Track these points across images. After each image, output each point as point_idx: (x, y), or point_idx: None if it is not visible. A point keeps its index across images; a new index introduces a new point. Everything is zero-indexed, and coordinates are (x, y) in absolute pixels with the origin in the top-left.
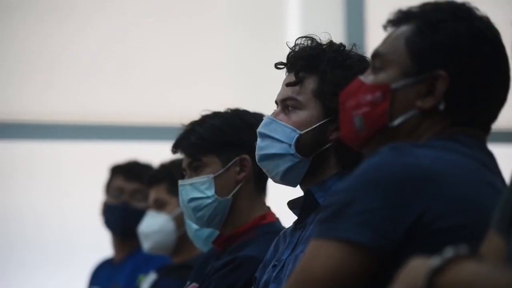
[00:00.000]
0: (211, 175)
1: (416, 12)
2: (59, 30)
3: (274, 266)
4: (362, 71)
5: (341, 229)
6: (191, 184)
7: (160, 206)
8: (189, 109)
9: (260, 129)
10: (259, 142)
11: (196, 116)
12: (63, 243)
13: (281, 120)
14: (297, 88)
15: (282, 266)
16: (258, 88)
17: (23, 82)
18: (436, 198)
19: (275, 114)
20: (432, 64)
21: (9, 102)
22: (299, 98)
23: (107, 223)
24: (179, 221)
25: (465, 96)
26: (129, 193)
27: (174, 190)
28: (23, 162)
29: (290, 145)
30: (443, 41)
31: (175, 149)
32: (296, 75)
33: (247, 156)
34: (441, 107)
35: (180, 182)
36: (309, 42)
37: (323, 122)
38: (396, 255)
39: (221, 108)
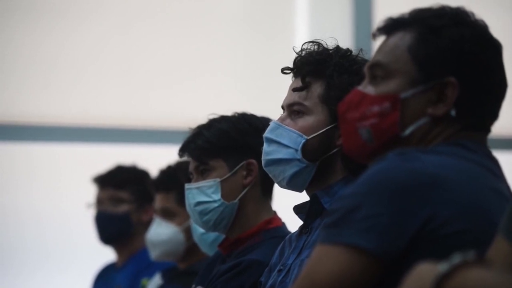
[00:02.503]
0: (218, 179)
1: (412, 19)
2: (58, 32)
3: (280, 270)
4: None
5: (347, 234)
6: (197, 188)
7: (168, 216)
8: (196, 112)
9: (267, 134)
10: (265, 147)
11: (203, 120)
12: (63, 245)
13: (287, 125)
14: (303, 93)
15: (288, 271)
16: (265, 92)
17: (22, 84)
18: (442, 204)
19: (281, 119)
20: (440, 71)
21: (8, 104)
22: (306, 103)
23: (97, 235)
24: (189, 233)
25: (474, 100)
26: (106, 200)
27: (183, 201)
28: (22, 164)
29: (296, 150)
30: (448, 47)
31: (182, 152)
32: (302, 80)
33: (253, 161)
34: (453, 113)
35: (187, 185)
36: (315, 47)
37: (330, 128)
38: (401, 261)
39: (228, 112)
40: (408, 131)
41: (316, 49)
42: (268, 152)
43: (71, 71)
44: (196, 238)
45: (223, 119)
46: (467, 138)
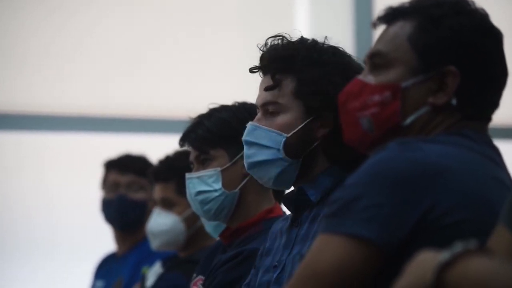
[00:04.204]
0: (219, 168)
1: (412, 8)
2: (51, 21)
3: (275, 267)
4: (338, 64)
5: (348, 224)
6: (198, 177)
7: (168, 206)
8: (196, 102)
9: (245, 137)
10: (246, 150)
11: (203, 110)
12: (51, 235)
13: (265, 126)
14: (276, 91)
15: (283, 268)
16: None
17: (14, 73)
18: (443, 194)
19: (257, 120)
20: (440, 60)
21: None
22: (280, 101)
23: (107, 218)
24: (189, 222)
25: (475, 89)
26: (125, 185)
27: (182, 191)
28: (11, 154)
29: (278, 149)
30: (448, 36)
31: (182, 142)
32: (273, 78)
33: None
34: (454, 102)
35: (187, 175)
36: (280, 41)
37: (308, 122)
38: (402, 252)
39: (229, 102)
40: (409, 120)
41: (281, 44)
42: (250, 155)
43: (66, 61)
44: (202, 219)
45: (223, 108)
46: (468, 127)
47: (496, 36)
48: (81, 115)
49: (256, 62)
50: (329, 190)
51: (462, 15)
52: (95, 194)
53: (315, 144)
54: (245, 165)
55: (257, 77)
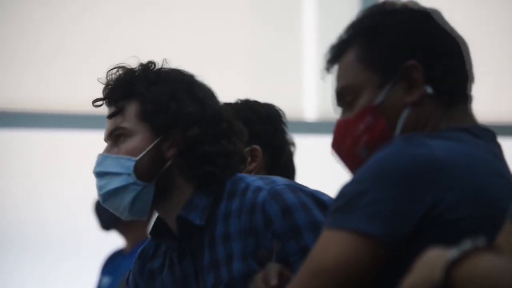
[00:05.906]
0: None
1: (350, 35)
2: (39, 19)
3: None
4: (180, 81)
5: (352, 219)
6: None
7: None
8: None
9: (95, 169)
10: (97, 182)
11: None
12: (41, 233)
13: (114, 154)
14: (120, 117)
15: None
16: (271, 78)
17: (2, 70)
18: (447, 190)
19: (106, 150)
20: (396, 62)
21: None
22: (125, 125)
23: (98, 221)
24: None
25: (439, 69)
26: None
27: None
28: (0, 151)
29: (129, 174)
30: (393, 37)
31: None
32: (116, 105)
33: (257, 147)
34: (429, 90)
35: None
36: (119, 71)
37: (156, 143)
38: (406, 248)
39: (232, 99)
40: (398, 128)
41: (120, 73)
42: (102, 186)
43: (52, 58)
44: None
45: (226, 106)
46: (473, 124)
47: (429, 15)
48: (70, 113)
49: (265, 58)
50: (209, 209)
51: (394, 13)
52: (84, 192)
53: (168, 164)
54: (99, 198)
55: (262, 73)
